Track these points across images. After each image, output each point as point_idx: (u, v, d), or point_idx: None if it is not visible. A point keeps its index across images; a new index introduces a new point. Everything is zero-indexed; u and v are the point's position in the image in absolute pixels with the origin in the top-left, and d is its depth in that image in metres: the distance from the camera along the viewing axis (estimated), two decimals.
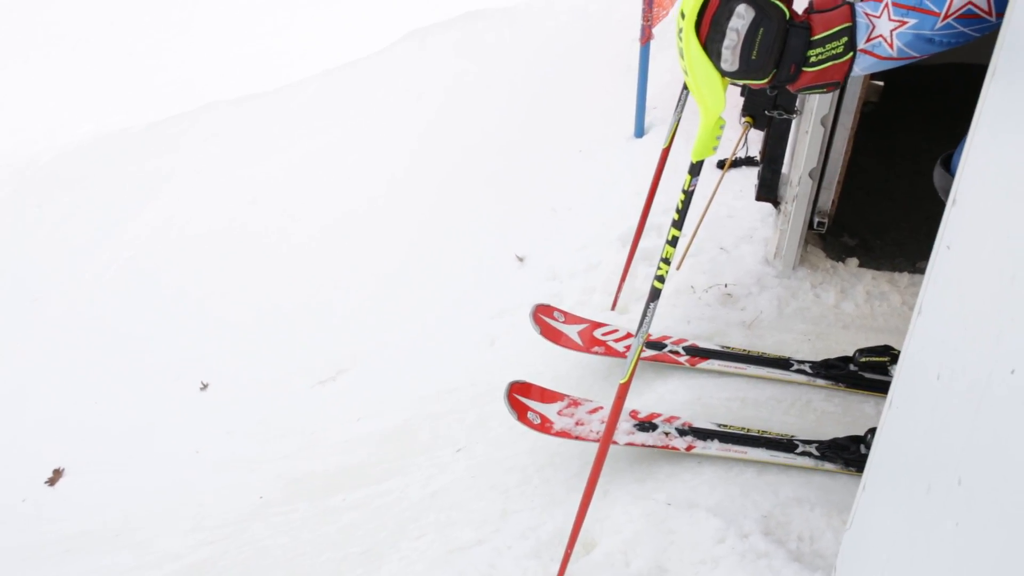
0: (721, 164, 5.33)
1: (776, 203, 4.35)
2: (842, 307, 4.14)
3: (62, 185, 8.97)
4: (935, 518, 1.63)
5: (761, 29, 1.87)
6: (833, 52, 1.90)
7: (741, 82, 1.99)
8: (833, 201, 4.28)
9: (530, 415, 3.39)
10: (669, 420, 3.45)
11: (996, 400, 1.40)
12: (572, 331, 4.01)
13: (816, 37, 1.89)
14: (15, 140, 11.35)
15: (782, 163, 4.16)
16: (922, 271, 1.84)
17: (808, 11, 1.93)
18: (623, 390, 2.62)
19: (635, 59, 6.14)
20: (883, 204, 4.92)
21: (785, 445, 3.29)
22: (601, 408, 3.51)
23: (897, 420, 1.97)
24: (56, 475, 5.17)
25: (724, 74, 1.98)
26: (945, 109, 3.63)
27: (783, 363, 3.74)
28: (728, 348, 3.90)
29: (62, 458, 5.32)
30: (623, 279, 4.45)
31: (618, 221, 5.15)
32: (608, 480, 3.38)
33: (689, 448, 3.30)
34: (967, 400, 1.52)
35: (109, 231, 7.89)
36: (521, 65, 8.37)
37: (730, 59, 1.92)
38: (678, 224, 2.48)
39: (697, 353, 3.85)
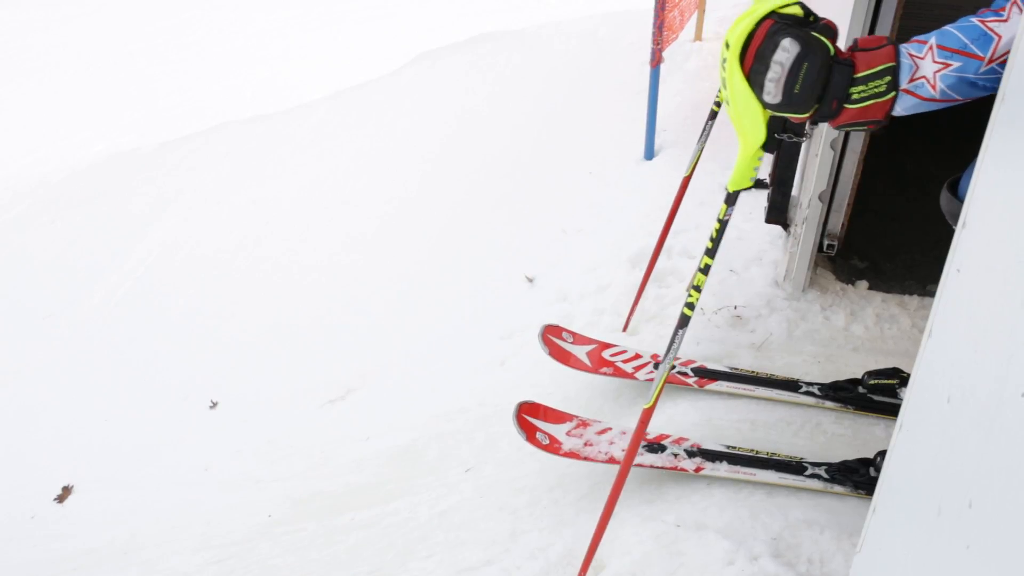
0: None
1: (786, 226, 4.37)
2: (852, 330, 4.14)
3: (73, 204, 9.03)
4: (946, 541, 1.63)
5: (805, 64, 1.87)
6: (876, 91, 1.90)
7: (782, 115, 1.99)
8: (843, 224, 4.29)
9: (539, 435, 3.40)
10: (678, 441, 3.44)
11: (1006, 423, 1.40)
12: (581, 352, 4.02)
13: (859, 75, 1.90)
14: (28, 160, 11.44)
15: (792, 186, 4.17)
16: (932, 294, 1.85)
17: (852, 49, 1.94)
18: (647, 415, 2.62)
19: (645, 82, 6.19)
20: (893, 227, 4.92)
21: (794, 467, 3.28)
22: (610, 429, 3.50)
23: (907, 443, 1.97)
24: (65, 492, 5.17)
25: (766, 106, 1.98)
26: (955, 133, 3.64)
27: (792, 385, 3.74)
28: (736, 370, 3.89)
29: (71, 475, 5.33)
30: (636, 301, 4.46)
31: (628, 243, 5.17)
32: (617, 501, 3.37)
33: (698, 469, 3.29)
34: (977, 423, 1.52)
35: (120, 250, 7.94)
36: (531, 88, 8.43)
37: (773, 91, 1.92)
38: (711, 252, 2.46)
39: (705, 374, 3.85)
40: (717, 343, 4.13)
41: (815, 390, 3.70)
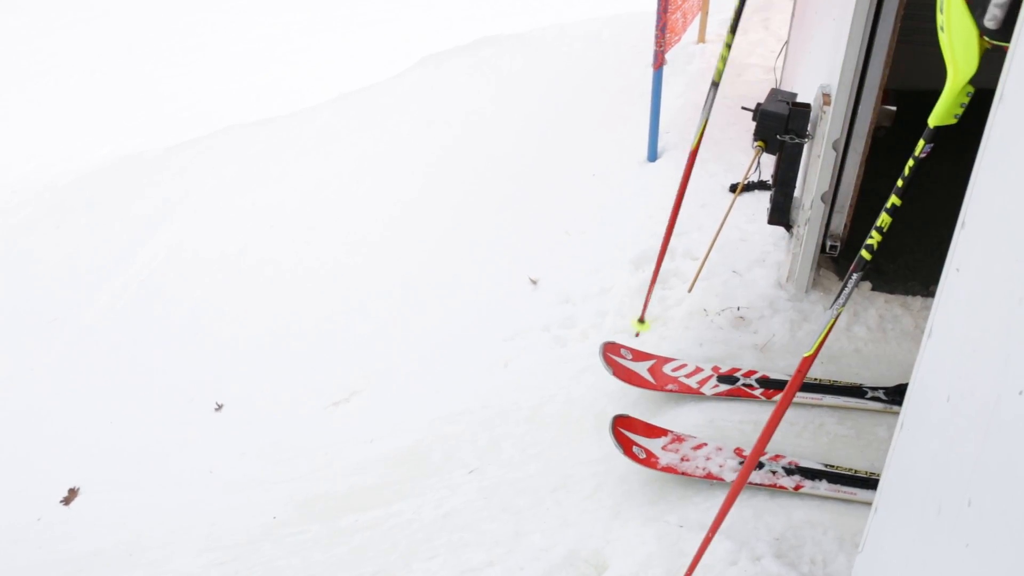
0: (733, 188, 5.36)
1: (788, 227, 4.37)
2: (854, 330, 4.14)
3: (79, 208, 9.05)
4: (946, 539, 1.64)
5: None
6: None
7: (1000, 44, 1.85)
8: (845, 225, 4.29)
9: (635, 449, 3.39)
10: (775, 459, 3.38)
11: (1005, 422, 1.41)
12: (642, 368, 3.99)
13: None
14: (33, 164, 11.47)
15: (794, 187, 4.17)
16: (934, 294, 1.85)
17: None
18: (806, 364, 2.55)
19: (648, 84, 6.19)
20: (896, 228, 4.89)
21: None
22: (705, 445, 3.47)
23: (908, 442, 1.98)
24: (71, 494, 5.19)
25: (984, 32, 1.85)
26: (958, 134, 3.64)
27: (857, 391, 3.71)
28: (818, 380, 3.83)
29: (77, 477, 5.35)
30: (651, 289, 4.42)
31: (631, 245, 5.18)
32: (619, 501, 3.38)
33: (797, 488, 3.25)
34: (976, 422, 1.53)
35: (125, 253, 7.96)
36: (535, 90, 8.44)
37: (999, 16, 1.77)
38: (900, 192, 2.34)
39: (771, 385, 3.79)
40: (720, 344, 4.14)
41: (880, 395, 3.67)
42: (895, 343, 4.06)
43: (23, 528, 5.03)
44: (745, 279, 4.53)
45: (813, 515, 3.12)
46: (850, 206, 4.22)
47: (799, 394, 3.68)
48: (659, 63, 6.07)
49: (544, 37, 9.74)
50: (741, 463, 3.34)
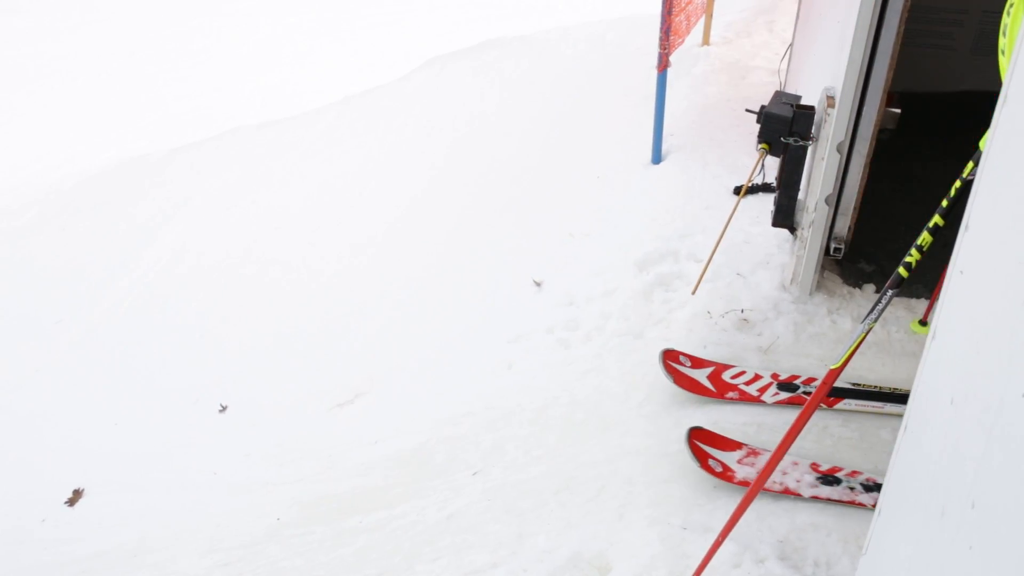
0: (737, 190, 5.36)
1: (793, 229, 4.37)
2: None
3: (84, 210, 9.08)
4: (949, 542, 1.64)
5: None
6: None
7: None
8: (850, 227, 4.29)
9: (711, 462, 3.37)
10: (853, 475, 3.34)
11: (1008, 423, 1.41)
12: (702, 376, 3.96)
13: None
14: (38, 166, 11.50)
15: (798, 189, 4.17)
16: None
17: None
18: (832, 376, 2.54)
19: (652, 87, 6.19)
20: (900, 230, 4.91)
21: None
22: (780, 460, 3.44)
23: (911, 444, 1.98)
24: (76, 495, 5.20)
25: None
26: (962, 136, 3.64)
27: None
28: (860, 386, 3.81)
29: (81, 478, 5.36)
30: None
31: (635, 246, 5.17)
32: (623, 504, 3.38)
33: (876, 505, 3.22)
34: (979, 424, 1.53)
35: (129, 255, 7.98)
36: (539, 92, 8.45)
37: None
38: (944, 213, 2.27)
39: (833, 393, 3.73)
40: (724, 346, 4.14)
41: None
42: (899, 346, 4.06)
43: (27, 530, 5.05)
44: (749, 281, 4.52)
45: (817, 518, 3.12)
46: (854, 209, 4.22)
47: (858, 402, 3.69)
48: (663, 65, 6.07)
49: (548, 39, 9.75)
50: (819, 478, 3.30)
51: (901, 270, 2.37)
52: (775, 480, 3.31)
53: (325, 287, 6.66)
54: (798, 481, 3.30)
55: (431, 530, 3.68)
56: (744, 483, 3.30)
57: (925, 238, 2.32)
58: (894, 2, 3.45)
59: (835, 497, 3.22)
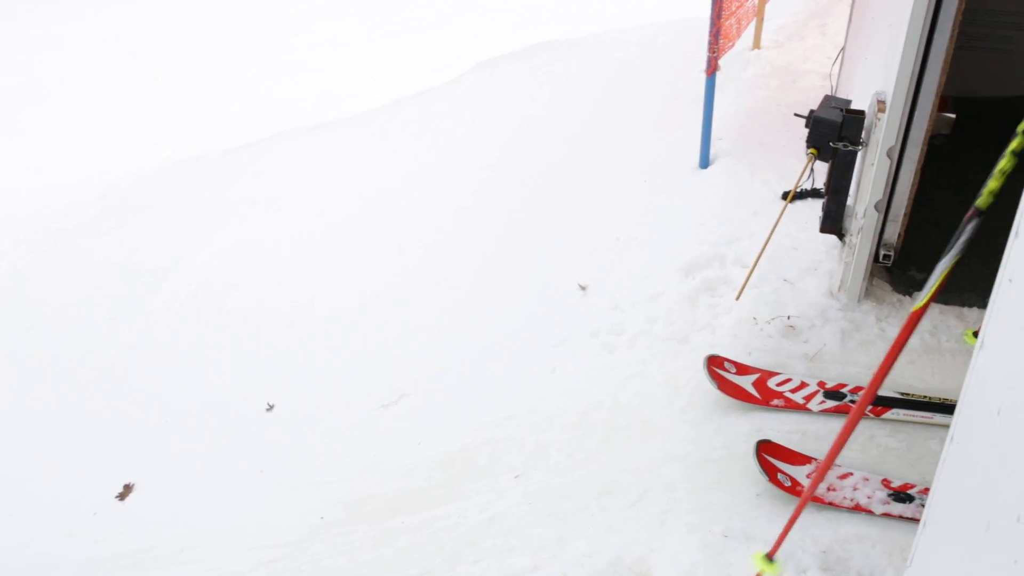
0: (785, 195, 5.30)
1: (841, 235, 4.31)
2: (908, 342, 4.07)
3: (140, 209, 9.24)
4: (994, 555, 1.61)
5: None
6: None
7: None
8: (900, 234, 4.22)
9: (780, 476, 3.34)
10: (925, 492, 3.26)
11: None
12: (747, 383, 3.93)
13: None
14: (97, 166, 11.74)
15: (847, 195, 4.12)
16: None
17: None
18: (915, 316, 2.40)
19: (701, 90, 6.15)
20: (949, 238, 4.82)
21: None
22: (851, 474, 3.38)
23: (957, 456, 1.95)
24: (126, 490, 5.31)
25: None
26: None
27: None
28: (908, 396, 3.75)
29: (132, 474, 5.46)
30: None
31: (681, 251, 5.15)
32: (664, 510, 3.37)
33: None
34: None
35: (183, 254, 8.11)
36: (588, 96, 8.43)
37: None
38: None
39: (879, 403, 3.70)
40: (769, 352, 4.10)
41: None
42: (949, 355, 3.99)
43: (80, 523, 5.16)
44: (796, 288, 4.47)
45: (861, 529, 3.07)
46: (904, 215, 4.15)
47: (907, 412, 3.64)
48: (712, 69, 6.04)
49: (599, 43, 9.73)
50: (890, 495, 3.24)
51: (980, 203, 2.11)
52: (845, 496, 3.25)
53: (373, 289, 6.70)
54: (869, 497, 3.23)
55: (473, 532, 3.69)
56: (815, 499, 3.23)
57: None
58: (947, 5, 3.39)
59: (907, 515, 3.15)
